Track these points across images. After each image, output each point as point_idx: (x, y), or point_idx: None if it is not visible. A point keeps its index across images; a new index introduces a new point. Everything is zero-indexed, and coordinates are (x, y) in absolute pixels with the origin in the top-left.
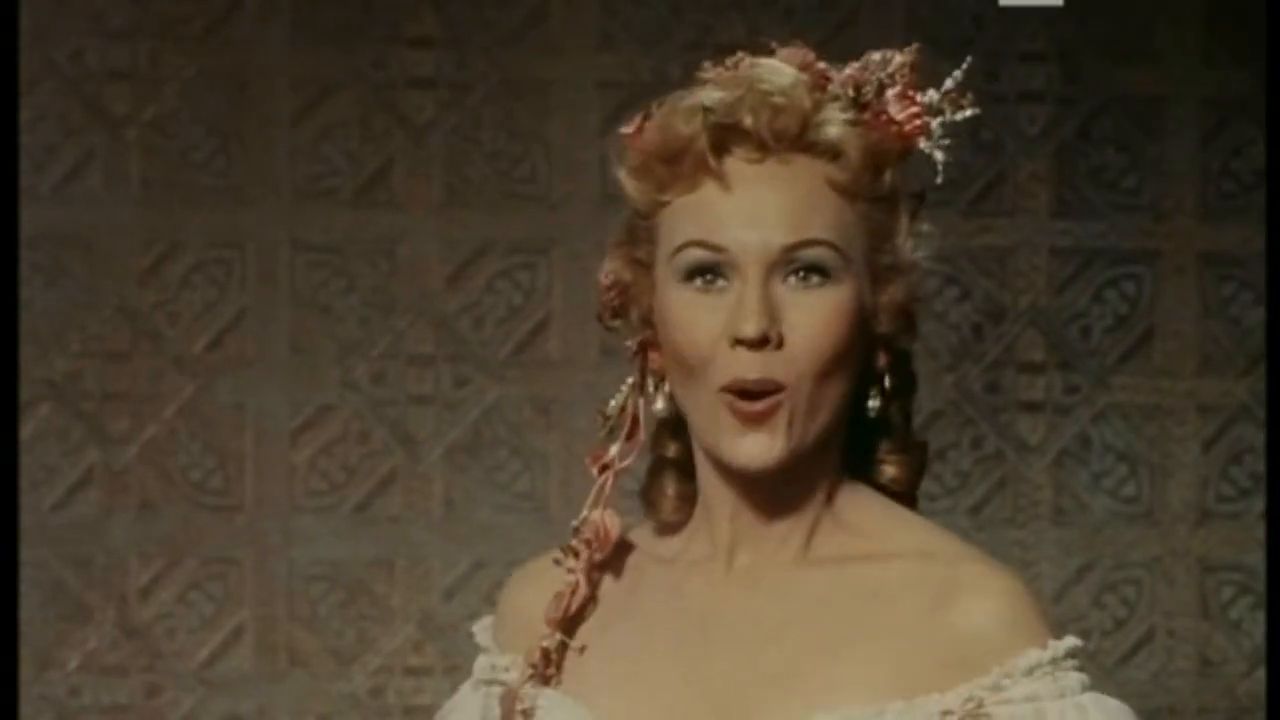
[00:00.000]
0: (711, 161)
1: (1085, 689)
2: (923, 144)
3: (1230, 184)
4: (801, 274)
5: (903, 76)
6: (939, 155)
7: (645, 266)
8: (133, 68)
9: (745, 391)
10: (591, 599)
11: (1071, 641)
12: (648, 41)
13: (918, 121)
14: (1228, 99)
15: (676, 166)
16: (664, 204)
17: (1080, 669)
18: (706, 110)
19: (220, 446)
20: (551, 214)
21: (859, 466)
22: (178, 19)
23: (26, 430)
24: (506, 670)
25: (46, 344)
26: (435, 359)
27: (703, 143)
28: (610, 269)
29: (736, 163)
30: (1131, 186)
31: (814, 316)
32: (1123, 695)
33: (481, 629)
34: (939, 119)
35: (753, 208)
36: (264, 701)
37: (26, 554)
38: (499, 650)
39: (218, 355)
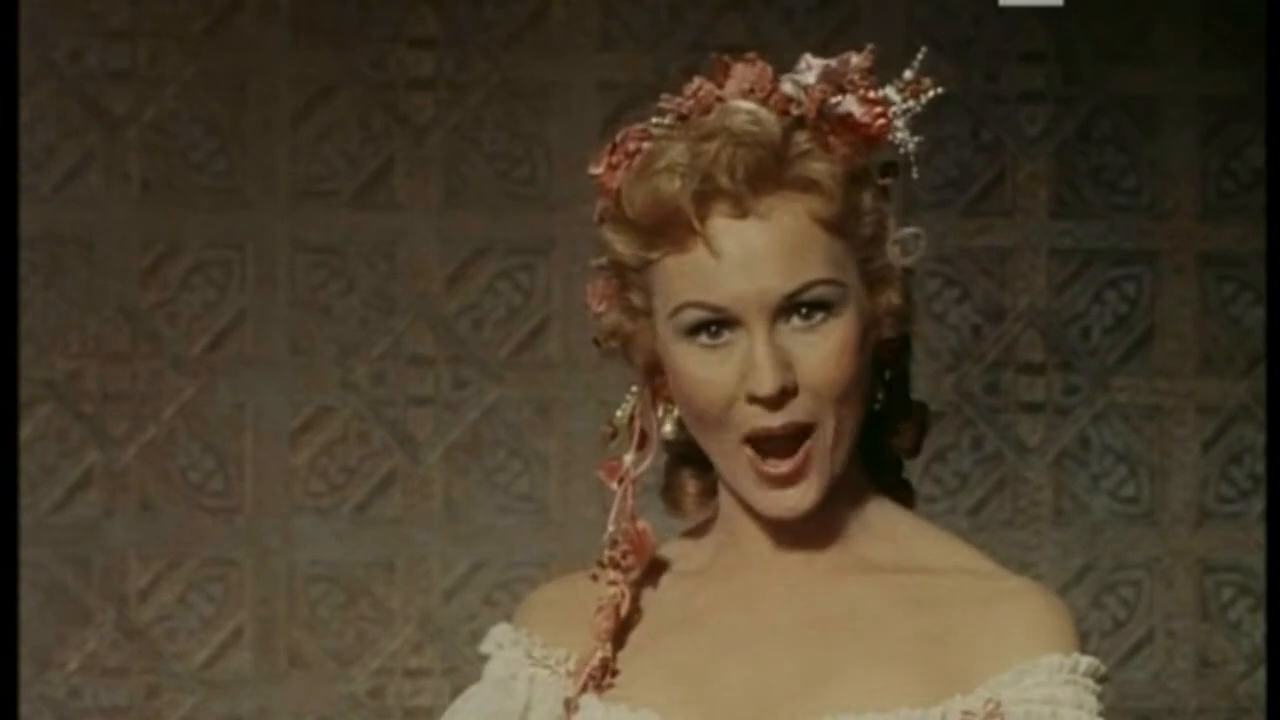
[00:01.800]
0: (696, 225)
1: (1097, 715)
2: (891, 138)
3: (1229, 183)
4: (804, 312)
5: (861, 79)
6: (910, 144)
7: (644, 313)
8: (132, 68)
9: (770, 444)
10: (636, 609)
11: (1098, 662)
12: (648, 42)
13: (882, 120)
14: (1226, 98)
15: (663, 229)
16: (653, 261)
17: (1101, 696)
18: (683, 176)
19: (220, 447)
20: (551, 215)
21: (864, 438)
22: (177, 19)
23: (26, 431)
24: (556, 662)
25: (46, 344)
26: (435, 360)
27: (685, 206)
28: (608, 320)
29: (720, 220)
30: (1131, 186)
31: (823, 354)
32: (1122, 696)
33: (502, 632)
34: (902, 108)
35: (745, 262)
36: (264, 703)
37: (26, 555)
38: (542, 641)
39: (217, 356)
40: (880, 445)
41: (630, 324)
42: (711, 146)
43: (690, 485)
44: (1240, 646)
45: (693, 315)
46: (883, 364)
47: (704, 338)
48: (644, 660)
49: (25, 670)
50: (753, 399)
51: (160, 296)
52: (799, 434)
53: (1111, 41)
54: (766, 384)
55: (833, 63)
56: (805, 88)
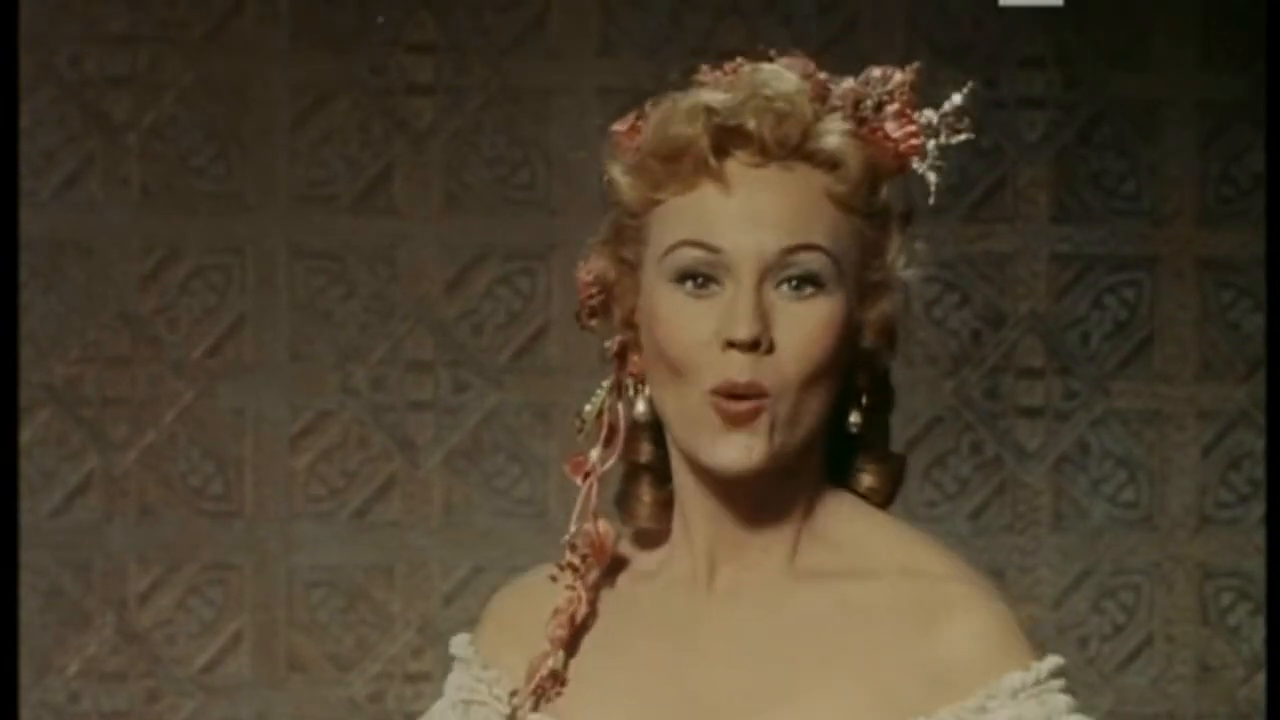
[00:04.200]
0: (712, 162)
1: (1071, 711)
2: (916, 164)
3: (1229, 189)
4: (794, 283)
5: (902, 95)
6: (932, 177)
7: (631, 266)
8: (132, 73)
9: (732, 393)
10: (592, 614)
11: (1055, 660)
12: (648, 48)
13: (914, 141)
14: (1226, 103)
15: (675, 166)
16: (657, 203)
17: (1066, 690)
18: (709, 111)
19: (220, 452)
20: (551, 220)
21: (836, 478)
22: (177, 24)
23: (26, 435)
24: (489, 686)
25: (46, 349)
26: (434, 365)
27: (704, 144)
28: (592, 266)
29: (736, 165)
30: (1131, 192)
31: (805, 326)
32: (1121, 701)
33: (459, 644)
34: (934, 141)
35: (751, 210)
36: (263, 707)
37: (26, 559)
38: (482, 663)
39: (217, 361)
40: (853, 485)
41: (615, 274)
42: (744, 94)
43: (647, 495)
44: (1240, 651)
45: (687, 255)
46: (859, 388)
47: (690, 285)
48: (592, 675)
49: (25, 674)
50: (729, 344)
51: (160, 301)
52: (759, 395)
53: (1111, 46)
54: (744, 328)
55: (876, 71)
56: (844, 87)
